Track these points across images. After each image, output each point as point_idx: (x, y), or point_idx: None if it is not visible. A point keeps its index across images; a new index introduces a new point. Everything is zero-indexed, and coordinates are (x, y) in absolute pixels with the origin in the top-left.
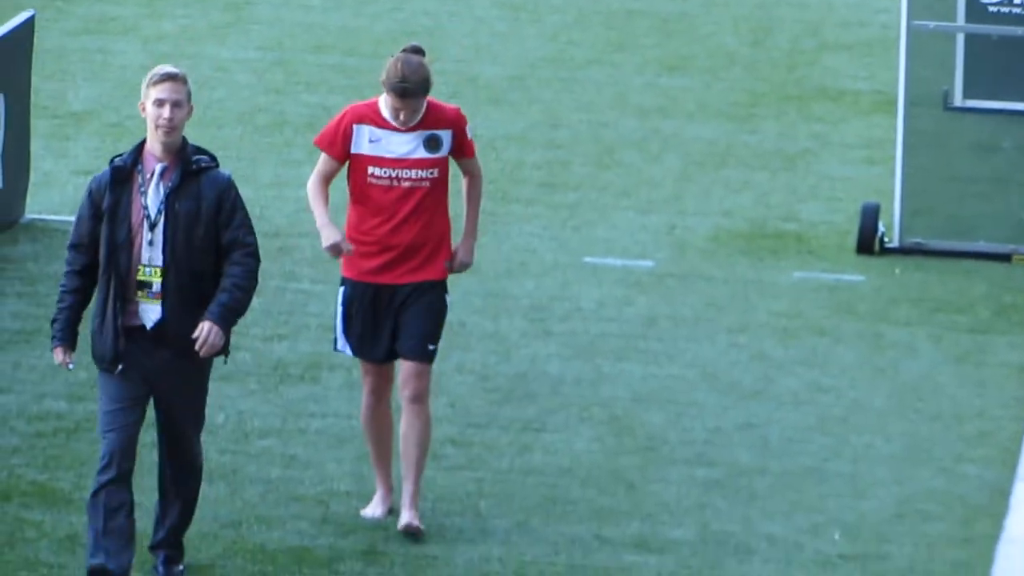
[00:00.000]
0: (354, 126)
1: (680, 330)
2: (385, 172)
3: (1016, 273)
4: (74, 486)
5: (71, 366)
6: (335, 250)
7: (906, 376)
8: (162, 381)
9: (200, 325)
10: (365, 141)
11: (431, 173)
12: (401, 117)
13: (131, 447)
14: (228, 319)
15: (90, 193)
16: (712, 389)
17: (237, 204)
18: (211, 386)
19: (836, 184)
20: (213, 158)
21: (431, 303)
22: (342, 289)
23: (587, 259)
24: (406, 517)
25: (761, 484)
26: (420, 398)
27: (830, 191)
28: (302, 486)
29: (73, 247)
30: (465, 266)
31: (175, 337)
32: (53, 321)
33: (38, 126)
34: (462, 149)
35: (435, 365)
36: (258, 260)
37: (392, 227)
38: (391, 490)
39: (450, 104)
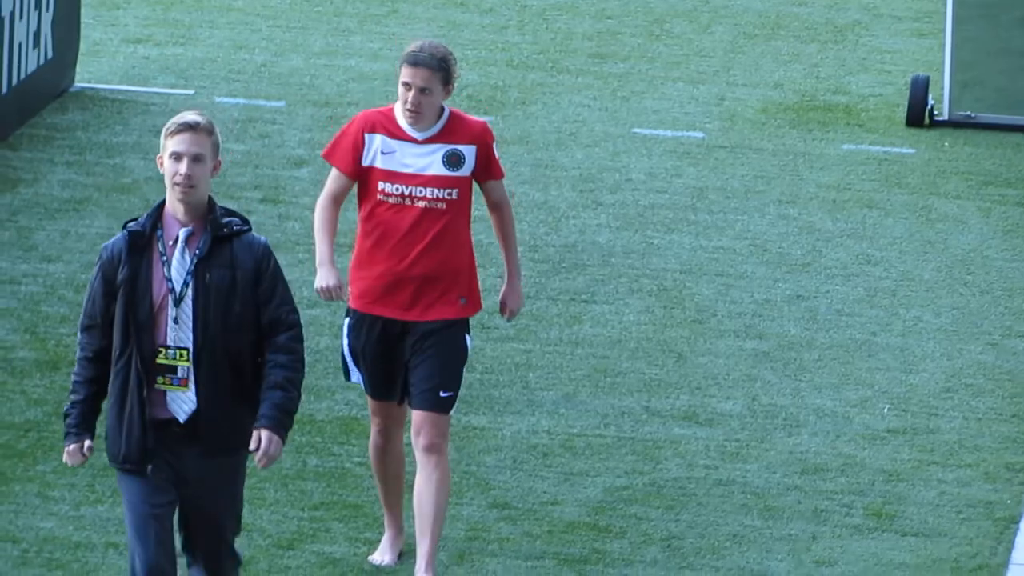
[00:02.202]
0: (365, 135)
1: (730, 202)
2: (397, 188)
3: None
4: None
5: (89, 451)
6: (327, 294)
7: (955, 249)
8: (193, 482)
9: (256, 435)
10: (377, 152)
11: (449, 194)
12: (410, 98)
13: (170, 563)
14: (286, 423)
15: (101, 264)
16: (761, 261)
17: (278, 275)
18: None
19: (886, 56)
20: (245, 220)
21: (444, 346)
22: (347, 320)
23: (637, 130)
24: None
25: (810, 357)
26: (435, 448)
27: (880, 63)
28: None
29: (86, 329)
30: (516, 313)
31: (207, 431)
32: (66, 415)
33: None
34: (487, 169)
35: (482, 236)
36: (302, 341)
37: (403, 254)
38: (401, 531)
39: (477, 118)
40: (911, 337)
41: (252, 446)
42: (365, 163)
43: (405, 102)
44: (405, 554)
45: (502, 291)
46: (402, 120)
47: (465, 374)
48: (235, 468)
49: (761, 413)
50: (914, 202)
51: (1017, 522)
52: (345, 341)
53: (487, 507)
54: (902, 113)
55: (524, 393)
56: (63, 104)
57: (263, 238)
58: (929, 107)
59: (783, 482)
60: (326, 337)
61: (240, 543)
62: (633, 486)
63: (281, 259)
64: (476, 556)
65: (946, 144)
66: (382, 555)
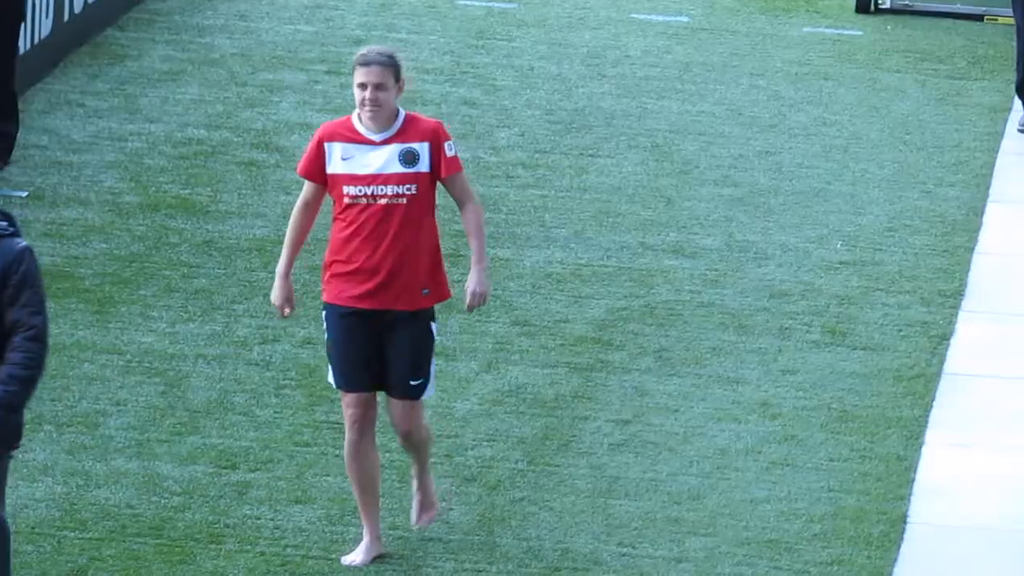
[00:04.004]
0: (325, 144)
1: (710, 74)
2: (360, 190)
3: (988, 30)
4: (210, 199)
5: None
6: (276, 308)
7: (896, 113)
8: None
9: None
10: (338, 159)
11: (408, 189)
12: (367, 95)
13: None
14: (2, 419)
15: None
16: (736, 123)
17: (27, 280)
18: (322, 115)
19: None
20: (11, 223)
21: (411, 337)
22: (324, 314)
23: (634, 15)
24: (416, 509)
25: (776, 201)
26: (411, 434)
27: None
28: None
29: None
30: (479, 297)
31: None
32: None
33: None
34: (440, 166)
35: (507, 102)
36: (44, 345)
37: (370, 250)
38: (379, 538)
39: (431, 119)
40: (859, 185)
41: None
42: (329, 170)
43: (363, 101)
44: (383, 558)
45: (468, 279)
46: (360, 126)
47: (434, 358)
48: None
49: (736, 247)
50: (862, 75)
51: (948, 339)
52: (326, 336)
53: (510, 324)
54: (852, 2)
55: (541, 231)
56: None
57: (22, 243)
58: None
59: (754, 304)
60: None
61: None
62: (630, 307)
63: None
64: (501, 365)
65: (889, 27)
66: (355, 555)
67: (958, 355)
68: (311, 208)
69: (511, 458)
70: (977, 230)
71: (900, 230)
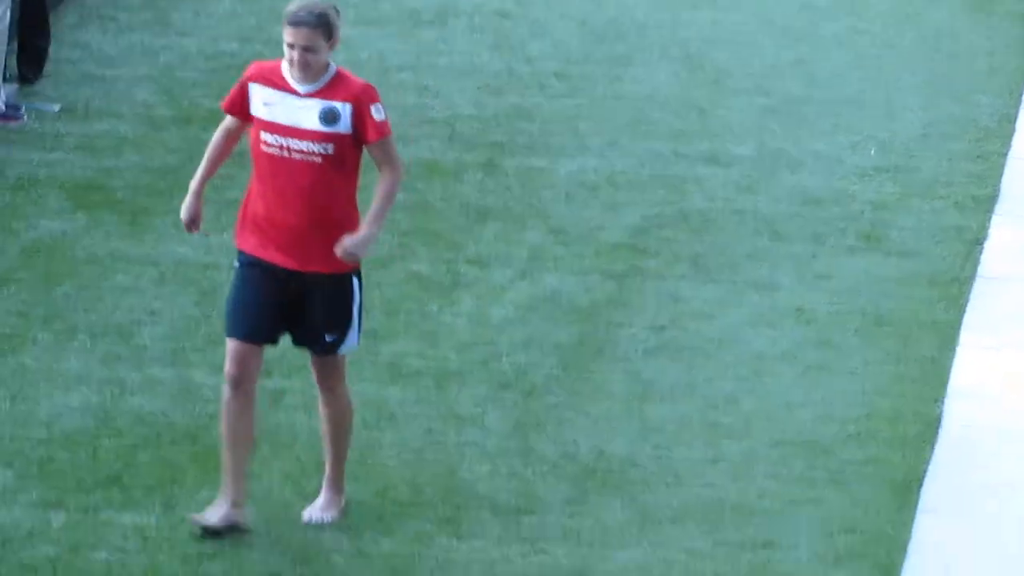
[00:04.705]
0: (250, 84)
1: None
2: (275, 139)
3: None
4: None
5: None
6: (184, 224)
7: (929, 22)
8: None
9: None
10: (260, 103)
11: (323, 148)
12: (296, 57)
13: None
14: None
15: None
16: (769, 32)
17: None
18: (357, 29)
19: None
20: None
21: (325, 294)
22: (236, 265)
23: None
24: (314, 506)
25: (809, 110)
26: (327, 387)
27: None
28: (433, 111)
29: None
30: (350, 256)
31: None
32: None
33: None
34: (363, 129)
35: (539, 13)
36: None
37: (280, 202)
38: (238, 506)
39: (361, 80)
40: (892, 93)
41: None
42: (252, 112)
43: (291, 60)
44: (241, 532)
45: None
46: (287, 74)
47: (362, 317)
48: None
49: (768, 155)
50: None
51: (981, 243)
52: (231, 291)
53: (546, 232)
54: None
55: (575, 139)
56: None
57: None
58: None
59: (788, 210)
60: (411, 96)
61: None
62: (665, 214)
63: (374, 32)
64: (536, 272)
65: None
66: (206, 515)
67: (992, 259)
68: (231, 137)
69: (546, 364)
70: (1010, 136)
71: (934, 136)
